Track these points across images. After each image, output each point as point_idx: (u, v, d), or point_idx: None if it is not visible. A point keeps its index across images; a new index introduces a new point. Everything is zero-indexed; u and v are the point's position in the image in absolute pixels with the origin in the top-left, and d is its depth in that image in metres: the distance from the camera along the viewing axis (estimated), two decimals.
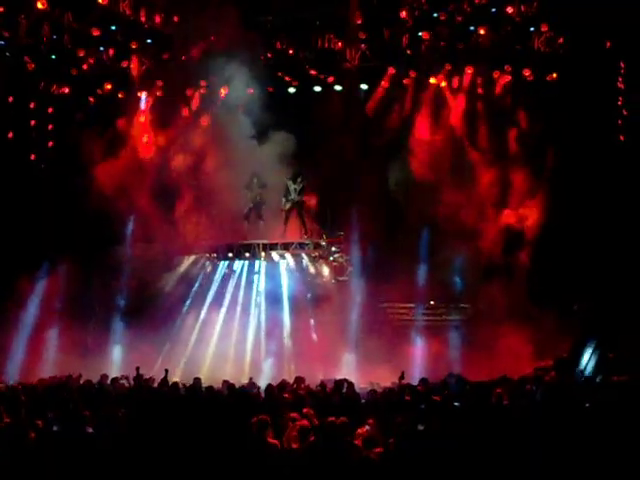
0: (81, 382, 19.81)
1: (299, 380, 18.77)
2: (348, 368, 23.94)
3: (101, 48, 27.09)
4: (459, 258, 26.36)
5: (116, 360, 25.72)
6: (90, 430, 11.69)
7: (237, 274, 27.59)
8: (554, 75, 26.08)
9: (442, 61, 26.88)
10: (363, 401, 16.38)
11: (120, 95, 28.19)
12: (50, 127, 28.79)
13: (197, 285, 27.56)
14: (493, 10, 25.86)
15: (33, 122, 28.39)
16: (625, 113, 25.63)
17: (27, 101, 28.07)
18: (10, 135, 27.80)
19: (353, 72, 27.25)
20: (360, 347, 24.97)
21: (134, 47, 27.04)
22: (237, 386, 18.34)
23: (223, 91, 27.51)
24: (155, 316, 26.08)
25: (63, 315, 26.22)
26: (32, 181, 27.95)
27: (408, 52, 26.64)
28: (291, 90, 27.86)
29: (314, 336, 26.22)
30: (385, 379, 20.66)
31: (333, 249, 27.16)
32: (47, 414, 13.34)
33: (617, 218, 24.47)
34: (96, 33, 26.34)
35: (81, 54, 26.96)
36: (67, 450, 11.11)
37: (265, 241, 27.14)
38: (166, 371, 20.20)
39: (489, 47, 26.15)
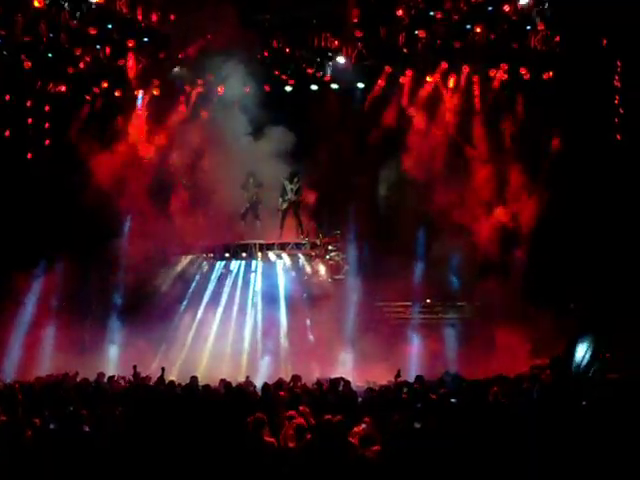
0: (78, 380, 19.80)
1: (296, 379, 18.79)
2: (345, 366, 23.96)
3: (98, 46, 27.05)
4: (455, 256, 26.40)
5: (113, 358, 25.73)
6: (87, 428, 11.71)
7: (234, 274, 27.59)
8: (550, 73, 26.10)
9: (438, 59, 26.90)
10: (360, 399, 16.42)
11: (117, 93, 28.15)
12: (47, 125, 28.77)
13: (194, 284, 27.55)
14: (489, 8, 25.87)
15: (30, 120, 28.39)
16: (622, 112, 25.64)
17: (24, 99, 28.06)
18: (7, 133, 27.83)
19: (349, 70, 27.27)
20: (356, 345, 24.99)
21: (131, 45, 27.00)
22: (234, 385, 18.36)
23: (220, 89, 27.51)
24: (152, 314, 26.08)
25: (60, 313, 26.26)
26: (29, 179, 27.93)
27: (404, 50, 26.66)
28: (288, 88, 27.88)
29: (310, 335, 26.23)
30: (382, 377, 20.72)
31: (330, 248, 27.16)
32: (44, 412, 13.35)
33: (614, 216, 24.51)
34: (93, 32, 26.31)
35: (78, 52, 26.94)
36: (64, 448, 11.13)
37: (262, 241, 27.14)
38: (163, 369, 20.23)
39: (485, 45, 26.16)
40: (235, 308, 27.11)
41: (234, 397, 15.85)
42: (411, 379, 18.45)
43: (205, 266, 27.72)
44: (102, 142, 27.36)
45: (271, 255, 27.12)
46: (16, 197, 27.34)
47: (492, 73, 26.75)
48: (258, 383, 19.06)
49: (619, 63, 25.53)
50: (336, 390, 17.12)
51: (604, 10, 23.62)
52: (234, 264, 27.57)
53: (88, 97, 28.41)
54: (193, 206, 27.24)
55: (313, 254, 27.14)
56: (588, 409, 12.97)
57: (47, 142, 28.82)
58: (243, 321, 27.00)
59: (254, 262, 27.30)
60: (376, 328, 25.75)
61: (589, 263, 24.59)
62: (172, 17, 26.68)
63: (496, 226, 26.08)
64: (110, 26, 26.66)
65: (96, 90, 28.24)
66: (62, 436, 11.58)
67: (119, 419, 13.12)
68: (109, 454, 11.19)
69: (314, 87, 27.82)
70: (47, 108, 28.58)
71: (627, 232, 24.27)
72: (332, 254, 27.12)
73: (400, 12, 25.99)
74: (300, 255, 27.25)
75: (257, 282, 27.40)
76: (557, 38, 25.52)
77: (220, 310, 27.07)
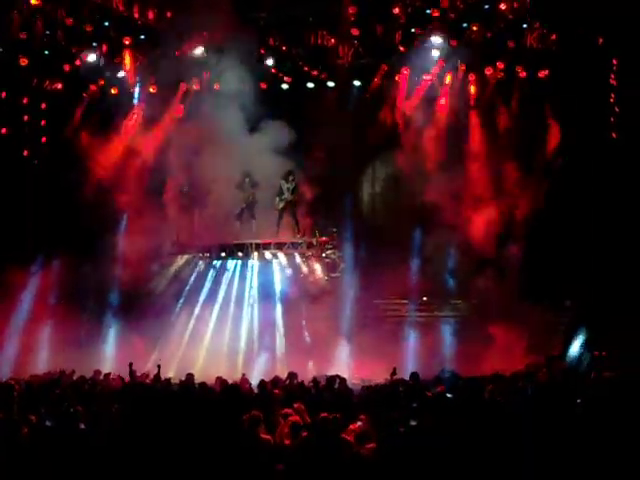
0: (74, 378, 19.81)
1: (292, 376, 18.80)
2: (341, 364, 23.97)
3: (94, 44, 27.04)
4: (451, 253, 26.43)
5: (109, 356, 25.73)
6: (83, 426, 11.73)
7: (230, 273, 27.59)
8: (546, 72, 26.12)
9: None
10: (355, 396, 16.44)
11: (113, 91, 28.13)
12: (43, 123, 28.76)
13: (190, 283, 27.55)
14: (486, 7, 25.90)
15: (26, 118, 28.38)
16: (617, 110, 25.69)
17: (20, 97, 28.04)
18: (4, 131, 27.81)
19: (346, 69, 27.27)
20: (353, 343, 25.00)
21: (127, 43, 26.99)
22: (230, 382, 18.36)
23: (216, 87, 27.51)
24: (148, 312, 26.10)
25: (57, 310, 26.25)
26: (26, 177, 27.96)
27: (401, 49, 26.67)
28: (284, 86, 27.89)
29: (307, 333, 26.24)
30: (378, 375, 20.71)
31: (326, 246, 27.16)
32: (40, 409, 13.37)
33: (610, 215, 24.57)
34: (89, 29, 26.31)
35: (74, 50, 26.93)
36: (60, 446, 11.15)
37: (258, 241, 27.13)
38: (159, 367, 20.23)
39: (482, 44, 26.18)
40: (232, 306, 27.10)
41: (230, 395, 15.85)
42: (407, 377, 18.45)
43: (201, 265, 27.70)
44: (98, 140, 27.36)
45: (267, 254, 27.12)
46: (13, 194, 27.35)
47: (488, 71, 26.76)
48: (254, 381, 19.06)
49: (615, 61, 25.57)
50: (332, 388, 17.14)
51: (600, 8, 23.67)
52: (230, 263, 27.56)
53: (85, 94, 28.40)
54: (189, 205, 27.25)
55: (309, 254, 27.13)
56: (583, 407, 13.00)
57: (44, 139, 28.83)
58: (239, 319, 27.02)
59: (250, 262, 27.29)
60: (372, 325, 25.77)
61: (585, 260, 24.66)
62: (168, 15, 26.69)
63: (491, 223, 26.09)
64: (106, 24, 26.66)
65: (93, 87, 28.23)
66: (58, 433, 11.60)
67: (115, 416, 13.14)
68: (105, 451, 11.20)
69: (310, 85, 27.85)
70: (43, 106, 28.57)
71: (623, 229, 24.35)
72: (328, 252, 27.11)
73: (396, 10, 26.01)
74: (296, 255, 27.23)
75: (253, 281, 27.40)
76: (553, 36, 25.55)
77: (217, 308, 27.07)
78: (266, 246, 27.09)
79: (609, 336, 22.67)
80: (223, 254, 27.28)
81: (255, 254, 27.04)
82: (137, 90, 28.35)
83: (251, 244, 26.99)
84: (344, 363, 24.22)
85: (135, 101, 28.44)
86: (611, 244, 24.27)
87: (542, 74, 26.14)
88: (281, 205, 26.98)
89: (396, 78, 27.56)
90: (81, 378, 19.23)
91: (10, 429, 11.21)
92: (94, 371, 20.50)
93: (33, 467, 10.74)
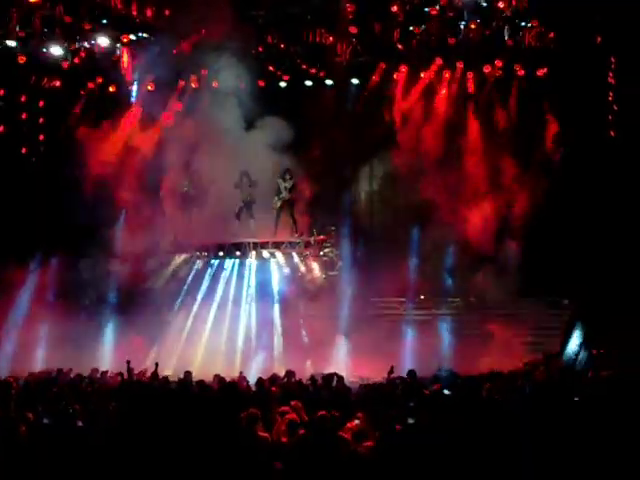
0: (72, 376, 19.80)
1: (290, 374, 18.80)
2: (338, 362, 23.97)
3: (92, 41, 27.02)
4: (449, 251, 26.43)
5: (107, 354, 25.71)
6: (80, 424, 11.72)
7: (228, 272, 27.58)
8: (545, 70, 26.13)
9: (433, 56, 26.91)
10: (353, 395, 16.44)
11: (111, 88, 28.13)
12: (41, 120, 28.76)
13: (188, 282, 27.52)
14: (484, 5, 25.90)
15: (24, 115, 28.39)
16: (616, 108, 25.70)
17: (18, 94, 28.03)
18: (1, 129, 27.81)
19: (344, 67, 27.27)
20: (350, 341, 24.99)
21: (125, 41, 26.98)
22: (228, 380, 18.36)
23: (214, 85, 27.51)
24: (146, 310, 26.06)
25: (54, 307, 26.23)
26: (24, 174, 27.96)
27: (399, 47, 26.67)
28: (282, 84, 27.89)
29: (304, 331, 26.23)
30: (375, 373, 20.72)
31: (324, 244, 27.14)
32: (38, 408, 13.36)
33: (608, 213, 24.57)
34: (87, 27, 26.29)
35: (72, 47, 26.90)
36: (57, 444, 11.13)
37: (256, 240, 27.11)
38: (156, 365, 20.23)
39: (480, 42, 26.18)
40: (229, 305, 27.08)
41: (228, 392, 15.85)
42: (405, 375, 18.45)
43: (199, 264, 27.67)
44: (96, 137, 27.34)
45: (265, 253, 27.10)
46: (11, 192, 27.35)
47: (486, 69, 26.76)
48: (252, 379, 19.05)
49: (613, 60, 25.59)
50: (330, 386, 17.15)
51: (598, 6, 23.68)
52: (228, 262, 27.54)
53: (82, 92, 28.39)
54: (187, 204, 27.24)
55: (307, 252, 27.11)
56: (581, 406, 13.00)
57: (42, 137, 28.82)
58: (237, 317, 27.00)
59: (248, 260, 27.27)
60: (370, 324, 25.74)
61: (584, 258, 24.66)
62: (167, 12, 26.68)
63: (489, 221, 26.09)
64: (105, 21, 26.64)
65: (91, 85, 28.22)
66: (56, 431, 11.59)
67: (112, 414, 13.14)
68: (103, 449, 11.19)
69: (308, 83, 27.85)
70: (41, 103, 28.57)
71: (622, 227, 24.35)
72: (326, 250, 27.10)
73: (395, 8, 26.02)
74: (294, 254, 27.21)
75: (251, 279, 27.39)
76: (551, 34, 25.56)
77: (215, 306, 27.05)
78: (264, 245, 27.06)
79: (607, 334, 22.66)
80: (221, 253, 27.24)
81: (253, 253, 27.01)
82: (135, 88, 28.36)
83: (249, 243, 26.95)
84: (342, 361, 24.23)
85: (133, 99, 28.45)
86: (610, 242, 24.25)
87: (540, 72, 26.21)
88: (279, 204, 26.92)
89: (394, 76, 27.58)
90: (78, 376, 19.24)
91: (7, 427, 11.18)
92: (91, 369, 20.49)
93: (31, 465, 10.71)
